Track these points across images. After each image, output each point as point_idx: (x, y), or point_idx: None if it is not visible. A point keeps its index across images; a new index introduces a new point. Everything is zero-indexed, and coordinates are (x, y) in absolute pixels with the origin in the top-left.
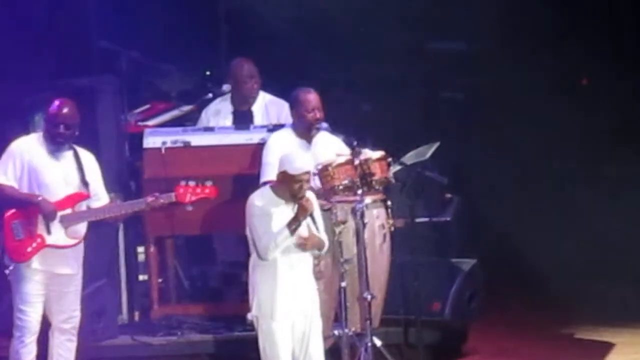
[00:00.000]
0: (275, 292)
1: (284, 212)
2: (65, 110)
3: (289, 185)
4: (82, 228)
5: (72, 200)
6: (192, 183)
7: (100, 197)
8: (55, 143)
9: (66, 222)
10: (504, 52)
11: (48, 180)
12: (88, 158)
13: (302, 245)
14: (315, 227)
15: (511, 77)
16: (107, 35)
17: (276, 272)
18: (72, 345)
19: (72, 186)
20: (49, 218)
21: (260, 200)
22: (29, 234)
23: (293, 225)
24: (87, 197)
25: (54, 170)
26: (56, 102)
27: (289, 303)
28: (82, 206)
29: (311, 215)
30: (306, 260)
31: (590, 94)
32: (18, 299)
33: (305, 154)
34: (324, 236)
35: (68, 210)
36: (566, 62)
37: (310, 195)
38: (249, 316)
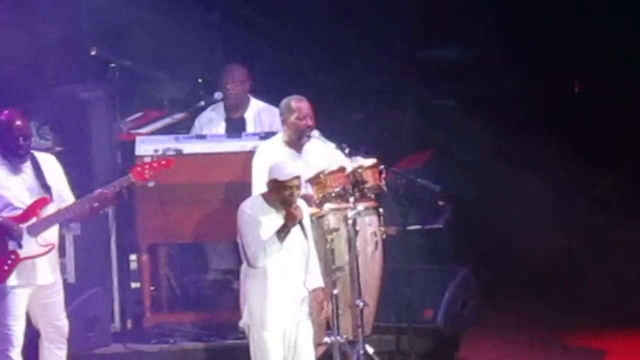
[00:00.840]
0: (265, 300)
1: (275, 220)
2: (19, 122)
3: (279, 193)
4: (52, 234)
5: (36, 207)
6: (147, 159)
7: (65, 198)
8: (18, 156)
9: (34, 231)
10: (496, 59)
11: (11, 194)
12: (47, 161)
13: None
14: (304, 234)
15: (503, 85)
16: (100, 44)
17: (266, 280)
18: (62, 353)
19: (35, 194)
20: (15, 236)
21: (250, 208)
22: (1, 253)
23: (282, 232)
24: (49, 201)
25: (15, 184)
26: (5, 115)
27: (279, 311)
28: (47, 210)
29: (300, 223)
30: (297, 267)
31: (583, 99)
32: (1, 314)
33: (294, 163)
34: (314, 268)
35: (33, 219)
36: (559, 69)
37: (301, 203)
38: (241, 324)
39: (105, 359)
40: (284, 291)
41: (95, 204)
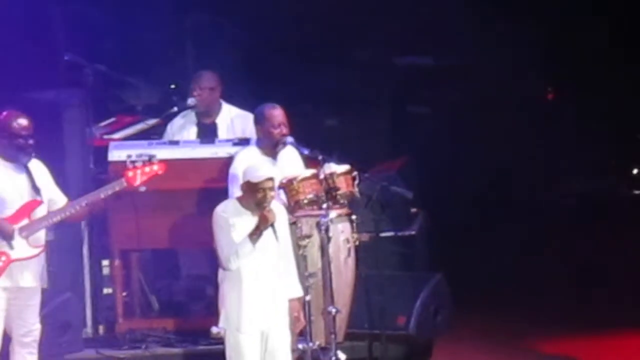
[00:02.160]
0: (241, 304)
1: (249, 222)
2: (26, 121)
3: (252, 195)
4: (42, 236)
5: (27, 209)
6: (139, 164)
7: (56, 201)
8: (27, 154)
9: (25, 232)
10: (470, 66)
11: (4, 196)
12: (35, 165)
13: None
14: (275, 236)
15: (478, 92)
16: (73, 49)
17: (241, 283)
18: (34, 358)
19: (25, 196)
20: (7, 238)
21: (224, 210)
22: None
23: (254, 235)
24: (40, 203)
25: (8, 185)
26: (13, 114)
27: (255, 314)
28: (38, 213)
29: (272, 226)
30: (272, 270)
31: (556, 109)
32: None
33: (267, 164)
34: (292, 277)
35: (25, 221)
36: (532, 77)
37: (277, 206)
38: (214, 329)
39: None
40: (258, 294)
41: (86, 206)
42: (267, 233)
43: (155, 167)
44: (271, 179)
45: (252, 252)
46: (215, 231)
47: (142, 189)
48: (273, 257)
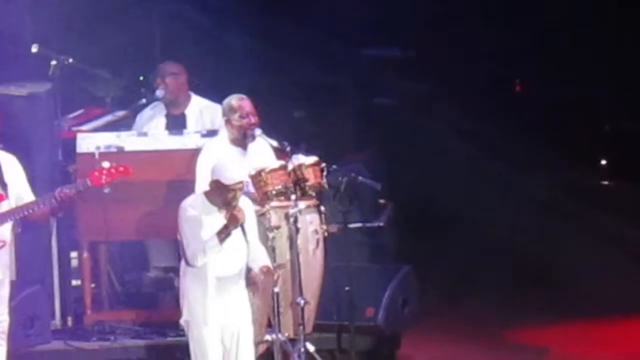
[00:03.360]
0: (205, 298)
1: (216, 219)
2: None
3: (222, 194)
4: (5, 231)
5: None
6: (105, 165)
7: (24, 197)
8: None
9: None
10: (437, 58)
11: None
12: (7, 159)
13: (254, 283)
14: (245, 238)
15: (444, 83)
16: (41, 41)
17: (207, 279)
18: (2, 350)
19: None
20: None
21: (191, 206)
22: None
23: (222, 234)
24: (3, 198)
25: None
26: None
27: (219, 308)
28: (2, 208)
29: (242, 226)
30: (237, 267)
31: (523, 100)
32: None
33: (239, 164)
34: (261, 254)
35: None
36: (501, 68)
37: (246, 203)
38: (182, 321)
39: (46, 357)
40: (224, 289)
41: (54, 204)
42: (236, 232)
43: (121, 169)
44: (242, 182)
45: (219, 250)
46: (182, 227)
47: (107, 190)
48: (239, 257)
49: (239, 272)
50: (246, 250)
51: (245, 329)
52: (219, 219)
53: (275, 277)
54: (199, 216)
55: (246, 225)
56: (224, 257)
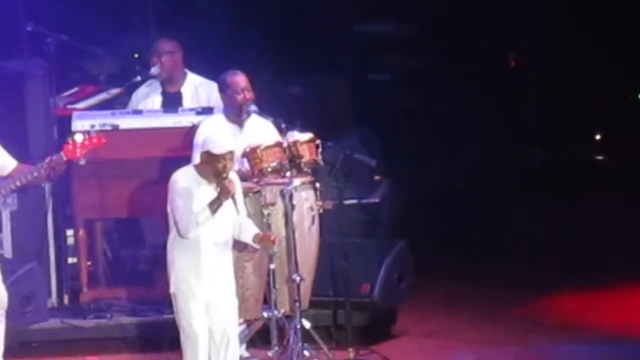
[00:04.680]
0: (193, 270)
1: (207, 191)
2: None
3: (212, 165)
4: None
5: None
6: (78, 137)
7: (7, 166)
8: None
9: None
10: (431, 34)
11: None
12: None
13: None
14: (236, 208)
15: (439, 60)
16: (36, 18)
17: (195, 251)
18: (1, 327)
19: None
20: None
21: (183, 178)
22: None
23: (214, 205)
24: None
25: None
26: None
27: (206, 281)
28: None
29: (232, 197)
30: (227, 239)
31: (518, 76)
32: None
33: (229, 135)
34: (251, 225)
35: None
36: (495, 44)
37: (233, 176)
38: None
39: (42, 334)
40: (211, 262)
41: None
42: (227, 203)
43: (94, 140)
44: (232, 152)
45: (209, 221)
46: (173, 198)
47: (82, 162)
48: (229, 227)
49: (226, 243)
50: (237, 221)
51: (230, 302)
52: (209, 191)
53: (272, 237)
54: (190, 188)
55: (237, 196)
56: (214, 228)
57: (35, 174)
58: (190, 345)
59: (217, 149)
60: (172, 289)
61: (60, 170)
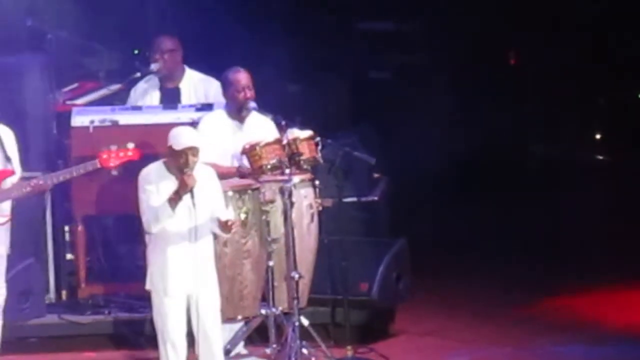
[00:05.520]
0: (164, 266)
1: (171, 186)
2: None
3: (175, 160)
4: (8, 206)
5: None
6: (114, 147)
7: (17, 172)
8: None
9: None
10: (431, 32)
11: None
12: (7, 133)
13: (225, 227)
14: (192, 202)
15: (439, 58)
16: (36, 14)
17: (165, 247)
18: None
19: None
20: None
21: (149, 173)
22: None
23: (173, 200)
24: (12, 173)
25: None
26: None
27: (178, 277)
28: (8, 183)
29: (191, 191)
30: (203, 235)
31: (517, 73)
32: None
33: (229, 131)
34: (220, 213)
35: None
36: (495, 41)
37: (203, 168)
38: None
39: (40, 330)
40: (181, 257)
41: (58, 181)
42: (199, 197)
43: (130, 153)
44: (192, 147)
45: (171, 216)
46: (139, 194)
47: (114, 172)
48: (202, 221)
49: (195, 237)
50: (195, 216)
51: (210, 296)
52: (174, 186)
53: (234, 229)
54: (155, 183)
55: (196, 190)
56: (179, 223)
57: (68, 176)
58: (162, 343)
59: (177, 145)
60: (147, 286)
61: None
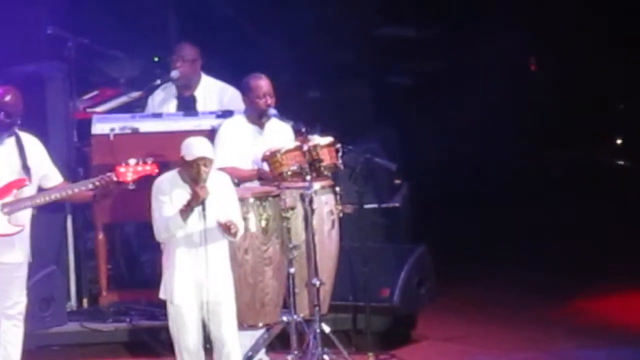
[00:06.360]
0: (175, 275)
1: (184, 196)
2: (7, 98)
3: (187, 170)
4: (23, 215)
5: (12, 187)
6: (132, 162)
7: (51, 177)
8: (2, 130)
9: (8, 209)
10: (452, 38)
11: None
12: (31, 142)
13: (226, 230)
14: (202, 212)
15: (459, 63)
16: (56, 22)
17: (175, 256)
18: (19, 331)
19: (15, 173)
20: None
21: (163, 182)
22: None
23: (185, 211)
24: (26, 183)
25: None
26: None
27: (189, 287)
28: (24, 192)
29: (202, 203)
30: (214, 243)
31: (538, 79)
32: None
33: (249, 136)
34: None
35: (10, 197)
36: (515, 48)
37: (219, 176)
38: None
39: (62, 338)
40: (191, 265)
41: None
42: (211, 207)
43: (147, 168)
44: (203, 158)
45: (182, 226)
46: (152, 202)
47: (131, 186)
48: (213, 230)
49: (220, 247)
50: (205, 225)
51: (226, 306)
52: (187, 195)
53: (233, 231)
54: (168, 192)
55: (207, 202)
56: (190, 233)
57: (82, 188)
58: (178, 351)
59: (188, 155)
60: (161, 294)
61: (107, 190)
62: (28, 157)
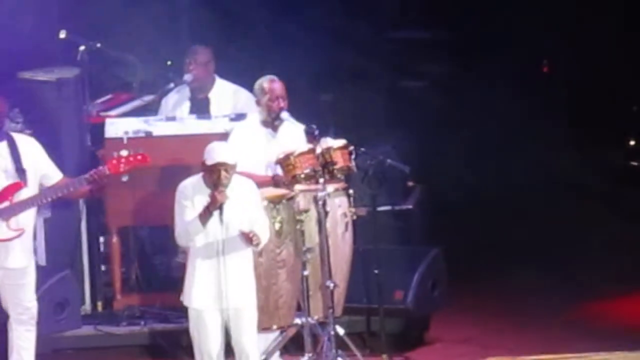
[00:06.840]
0: (196, 280)
1: (206, 201)
2: None
3: (208, 175)
4: (24, 218)
5: (9, 191)
6: (124, 153)
7: (51, 176)
8: None
9: (5, 214)
10: (464, 41)
11: None
12: (25, 143)
13: (248, 240)
14: (220, 217)
15: (472, 66)
16: (70, 26)
17: (195, 261)
18: (31, 335)
19: (10, 177)
20: None
21: (186, 187)
22: None
23: (203, 215)
24: (22, 186)
25: None
26: None
27: (209, 292)
28: (21, 196)
29: (220, 208)
30: (234, 249)
31: (551, 81)
32: None
33: (262, 139)
34: (260, 229)
35: (6, 203)
36: (528, 50)
37: (243, 184)
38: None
39: (76, 342)
40: (210, 271)
41: (69, 192)
42: (231, 211)
43: (139, 157)
44: (223, 163)
45: (202, 231)
46: (175, 206)
47: (125, 177)
48: (234, 235)
49: (240, 253)
50: (224, 231)
51: (247, 312)
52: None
53: (255, 242)
54: (190, 197)
55: (226, 205)
56: (210, 238)
57: (78, 186)
58: (199, 355)
59: (209, 160)
60: (182, 298)
61: (101, 184)
62: (23, 159)
